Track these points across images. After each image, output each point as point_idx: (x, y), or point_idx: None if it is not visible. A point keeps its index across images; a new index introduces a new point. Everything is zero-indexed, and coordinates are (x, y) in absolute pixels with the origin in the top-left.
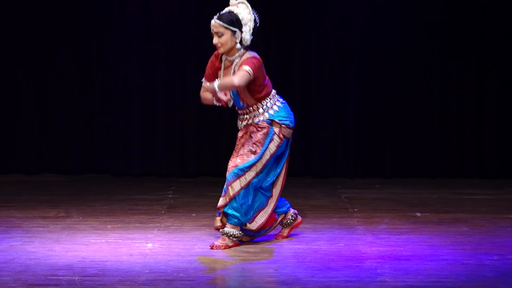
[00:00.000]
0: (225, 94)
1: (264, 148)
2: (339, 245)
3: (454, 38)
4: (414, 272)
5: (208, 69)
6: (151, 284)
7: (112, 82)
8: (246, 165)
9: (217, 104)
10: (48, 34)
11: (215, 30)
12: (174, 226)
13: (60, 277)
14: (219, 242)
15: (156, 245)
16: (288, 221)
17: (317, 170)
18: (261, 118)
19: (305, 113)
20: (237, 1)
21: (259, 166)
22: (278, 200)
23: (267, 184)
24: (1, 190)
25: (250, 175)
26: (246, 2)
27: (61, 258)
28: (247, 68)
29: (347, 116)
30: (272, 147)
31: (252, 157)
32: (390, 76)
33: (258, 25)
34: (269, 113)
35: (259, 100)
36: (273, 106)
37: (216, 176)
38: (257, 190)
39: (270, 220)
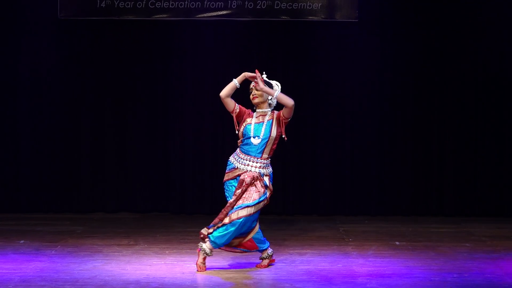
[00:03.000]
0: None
1: (259, 200)
2: (338, 265)
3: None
4: (395, 286)
5: (242, 108)
6: None
7: (170, 133)
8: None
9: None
10: (129, 94)
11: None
12: (215, 252)
13: None
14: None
15: None
16: (266, 256)
17: (322, 209)
18: (263, 172)
19: (313, 165)
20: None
21: (253, 209)
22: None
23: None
24: (88, 224)
25: (242, 212)
26: (278, 83)
27: (131, 276)
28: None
29: (345, 167)
30: (261, 205)
31: (250, 201)
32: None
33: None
34: (267, 170)
35: (267, 158)
36: (269, 168)
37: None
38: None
39: (251, 246)
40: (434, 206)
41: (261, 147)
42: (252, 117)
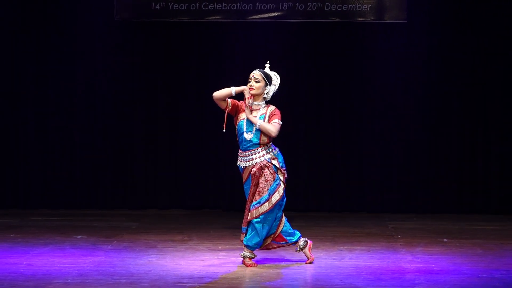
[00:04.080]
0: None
1: (272, 188)
2: (387, 262)
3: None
4: (443, 283)
5: (235, 102)
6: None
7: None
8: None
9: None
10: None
11: (255, 76)
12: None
13: (184, 284)
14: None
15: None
16: (302, 247)
17: (371, 207)
18: (268, 157)
19: (362, 163)
20: (271, 72)
21: (270, 203)
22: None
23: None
24: (142, 221)
25: (263, 208)
26: (277, 74)
27: (185, 270)
28: (279, 121)
29: (392, 165)
30: (280, 190)
31: (265, 194)
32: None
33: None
34: (273, 153)
35: (267, 142)
36: (273, 150)
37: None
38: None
39: (281, 239)
40: (480, 204)
41: (256, 139)
42: (245, 111)
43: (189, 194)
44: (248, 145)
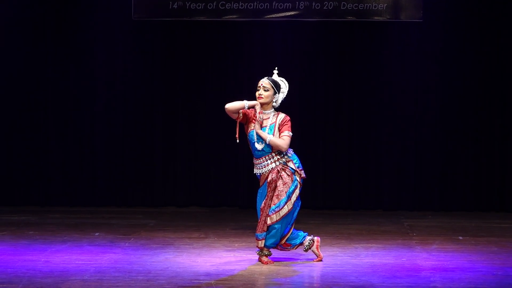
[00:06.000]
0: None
1: (290, 190)
2: (402, 259)
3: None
4: (458, 280)
5: (246, 111)
6: (266, 285)
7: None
8: (280, 203)
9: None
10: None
11: (264, 85)
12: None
13: (201, 281)
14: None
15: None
16: (308, 246)
17: (386, 205)
18: (283, 160)
19: (378, 161)
20: (279, 78)
21: (289, 205)
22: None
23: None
24: (160, 218)
25: (283, 211)
26: (285, 81)
27: (201, 267)
28: (289, 133)
29: (408, 164)
30: (297, 191)
31: (283, 197)
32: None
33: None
34: (288, 156)
35: None
36: (288, 153)
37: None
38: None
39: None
40: (496, 202)
41: (268, 148)
42: (255, 121)
43: (208, 192)
44: (261, 153)
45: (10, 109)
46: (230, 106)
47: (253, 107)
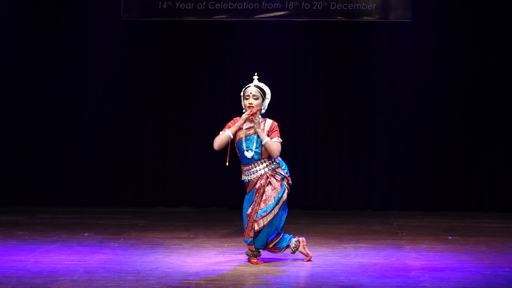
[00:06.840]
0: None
1: (279, 196)
2: (392, 259)
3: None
4: (447, 280)
5: (230, 123)
6: (255, 285)
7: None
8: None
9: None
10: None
11: (253, 93)
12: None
13: (190, 281)
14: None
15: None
16: (295, 248)
17: (376, 205)
18: (272, 167)
19: (368, 161)
20: (260, 83)
21: (276, 209)
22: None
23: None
24: (150, 218)
25: (270, 215)
26: (266, 86)
27: (191, 267)
28: (279, 140)
29: (398, 164)
30: (285, 195)
31: (271, 202)
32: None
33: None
34: (276, 163)
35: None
36: (276, 160)
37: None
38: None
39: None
40: (486, 201)
41: (257, 156)
42: (242, 129)
43: (197, 192)
44: (250, 160)
45: None
46: (218, 144)
47: (238, 128)
